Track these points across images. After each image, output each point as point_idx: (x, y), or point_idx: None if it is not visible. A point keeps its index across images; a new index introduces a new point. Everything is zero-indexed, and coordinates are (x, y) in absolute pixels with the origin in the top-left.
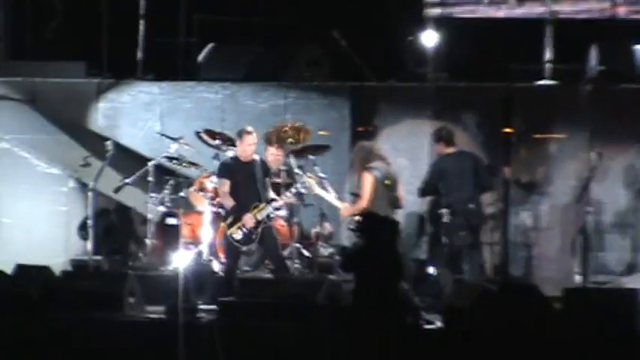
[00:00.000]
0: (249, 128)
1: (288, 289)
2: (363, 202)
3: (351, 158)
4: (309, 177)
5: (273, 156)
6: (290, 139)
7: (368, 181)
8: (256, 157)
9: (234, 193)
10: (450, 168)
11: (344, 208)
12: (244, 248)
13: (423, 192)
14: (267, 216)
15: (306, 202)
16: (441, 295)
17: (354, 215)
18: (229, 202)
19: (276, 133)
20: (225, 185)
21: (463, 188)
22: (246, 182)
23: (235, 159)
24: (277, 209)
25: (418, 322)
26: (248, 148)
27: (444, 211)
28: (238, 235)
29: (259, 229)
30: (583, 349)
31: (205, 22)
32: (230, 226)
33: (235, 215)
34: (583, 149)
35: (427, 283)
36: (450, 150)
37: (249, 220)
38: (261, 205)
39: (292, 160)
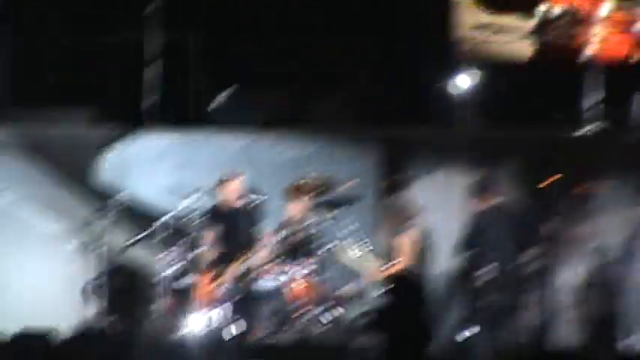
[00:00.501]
0: (235, 172)
1: (312, 355)
2: (399, 265)
3: (382, 215)
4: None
5: (296, 210)
6: (314, 192)
7: (406, 243)
8: (242, 204)
9: (220, 241)
10: (489, 224)
11: (375, 269)
12: (225, 304)
13: (459, 250)
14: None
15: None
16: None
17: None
18: (211, 253)
19: (297, 187)
20: (210, 235)
21: (503, 246)
22: (232, 230)
23: (221, 205)
24: (300, 268)
25: None
26: (231, 195)
27: (482, 270)
28: (221, 287)
29: (240, 285)
30: None
31: (218, 65)
32: (215, 278)
33: (217, 269)
34: (631, 201)
35: (460, 348)
36: (489, 204)
37: (233, 270)
38: (248, 255)
39: (316, 216)
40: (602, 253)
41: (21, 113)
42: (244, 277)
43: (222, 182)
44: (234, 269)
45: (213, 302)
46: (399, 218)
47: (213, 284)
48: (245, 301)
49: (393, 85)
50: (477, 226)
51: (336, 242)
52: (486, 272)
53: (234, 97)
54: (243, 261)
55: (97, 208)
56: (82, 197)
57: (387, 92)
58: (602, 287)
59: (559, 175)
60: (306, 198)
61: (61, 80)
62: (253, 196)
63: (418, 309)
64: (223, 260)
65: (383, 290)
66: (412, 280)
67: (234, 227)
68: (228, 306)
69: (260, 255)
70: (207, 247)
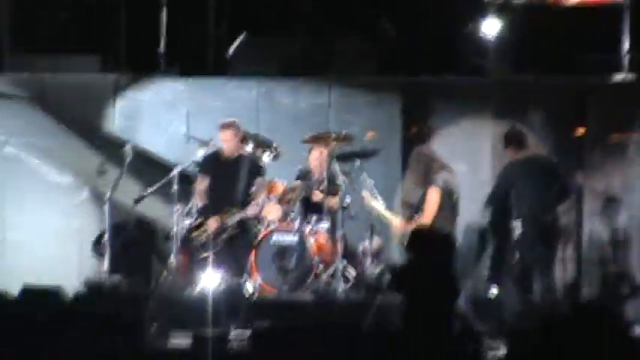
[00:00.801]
0: (228, 121)
1: (331, 312)
2: (427, 218)
3: (408, 166)
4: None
5: (316, 161)
6: (334, 141)
7: (435, 196)
8: (246, 153)
9: (211, 192)
10: (522, 175)
11: (399, 223)
12: (203, 255)
13: (490, 201)
14: (243, 223)
15: (352, 213)
16: (505, 319)
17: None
18: (200, 202)
19: (316, 136)
20: (202, 183)
21: (537, 198)
22: (225, 182)
23: (217, 154)
24: (318, 222)
25: (479, 349)
26: (225, 145)
27: (515, 223)
28: (201, 239)
29: (224, 236)
30: None
31: (238, 9)
32: (196, 228)
33: (204, 217)
34: None
35: (489, 305)
36: (522, 155)
37: (212, 223)
38: (234, 209)
39: (336, 166)
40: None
41: (27, 60)
42: (228, 230)
43: (219, 129)
44: (217, 220)
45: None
46: (424, 170)
47: (196, 234)
48: (263, 254)
49: (416, 31)
50: (507, 178)
51: (358, 195)
52: (517, 226)
53: (252, 44)
54: (232, 214)
55: (108, 158)
56: (93, 147)
57: (410, 38)
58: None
59: (592, 124)
60: (325, 148)
61: (70, 25)
62: (249, 148)
63: (445, 264)
64: (212, 210)
65: (408, 245)
66: (439, 234)
67: (225, 178)
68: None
69: (268, 208)
70: (198, 194)
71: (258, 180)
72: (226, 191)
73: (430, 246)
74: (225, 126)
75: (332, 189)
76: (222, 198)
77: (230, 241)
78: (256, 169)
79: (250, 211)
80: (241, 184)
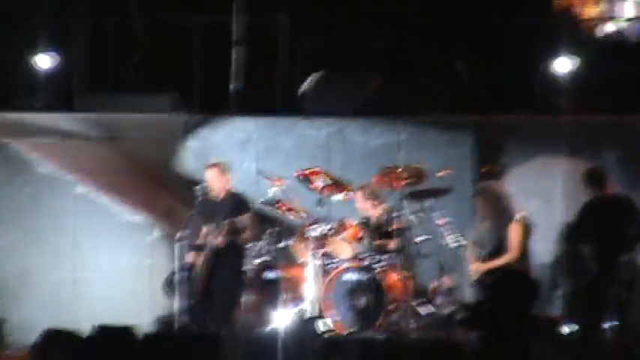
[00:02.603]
0: (213, 161)
1: (403, 351)
2: (513, 255)
3: (477, 203)
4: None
5: (360, 204)
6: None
7: (518, 233)
8: (233, 190)
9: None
10: (602, 214)
11: (481, 264)
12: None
13: (566, 239)
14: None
15: (423, 252)
16: (579, 357)
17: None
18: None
19: (387, 173)
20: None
21: (616, 237)
22: (212, 220)
23: (205, 196)
24: (389, 260)
25: None
26: (211, 184)
27: (591, 262)
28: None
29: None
30: None
31: (309, 49)
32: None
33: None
34: None
35: (561, 344)
36: (601, 193)
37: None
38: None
39: (407, 205)
40: None
41: (99, 99)
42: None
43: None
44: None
45: (302, 296)
46: (497, 208)
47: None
48: (334, 292)
49: (489, 70)
50: (587, 217)
51: (430, 233)
52: (595, 264)
53: (323, 83)
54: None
55: (179, 197)
56: (164, 186)
57: (483, 77)
58: None
59: None
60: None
61: (143, 65)
62: (235, 189)
63: (524, 303)
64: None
65: (485, 283)
66: (518, 272)
67: (213, 216)
68: (317, 301)
69: (340, 247)
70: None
71: (244, 217)
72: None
73: (516, 285)
74: (210, 166)
75: (404, 228)
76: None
77: (209, 279)
78: (242, 206)
79: (211, 240)
80: (224, 222)
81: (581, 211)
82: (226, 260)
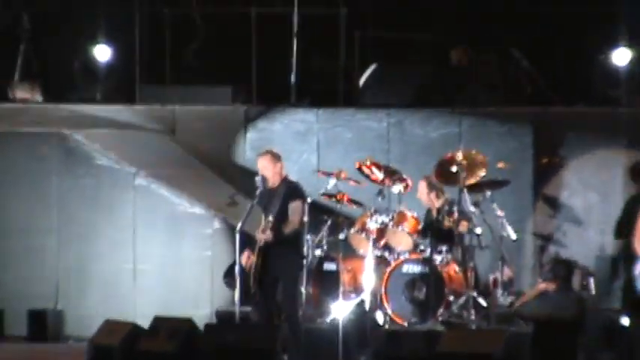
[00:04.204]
0: (265, 149)
1: (463, 342)
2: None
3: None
4: None
5: (422, 195)
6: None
7: None
8: (289, 180)
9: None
10: None
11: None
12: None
13: (619, 232)
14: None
15: (483, 244)
16: (635, 350)
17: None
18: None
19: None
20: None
21: None
22: (268, 212)
23: (259, 183)
24: (449, 252)
25: None
26: (263, 172)
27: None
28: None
29: (252, 271)
30: None
31: (368, 40)
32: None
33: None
34: None
35: (619, 336)
36: None
37: (244, 258)
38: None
39: (466, 196)
40: None
41: (159, 91)
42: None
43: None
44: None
45: (361, 287)
46: (556, 199)
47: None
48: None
49: (548, 61)
50: (630, 211)
51: (490, 225)
52: None
53: (382, 75)
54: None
55: (238, 189)
56: (224, 178)
57: (542, 68)
58: None
59: None
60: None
61: (203, 56)
62: (291, 178)
63: (578, 294)
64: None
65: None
66: (573, 263)
67: (270, 206)
68: (376, 292)
69: (399, 238)
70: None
71: (294, 203)
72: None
73: (566, 275)
74: (260, 155)
75: (463, 220)
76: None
77: (260, 275)
78: (295, 194)
79: (259, 237)
80: (281, 210)
81: (625, 204)
82: (281, 250)
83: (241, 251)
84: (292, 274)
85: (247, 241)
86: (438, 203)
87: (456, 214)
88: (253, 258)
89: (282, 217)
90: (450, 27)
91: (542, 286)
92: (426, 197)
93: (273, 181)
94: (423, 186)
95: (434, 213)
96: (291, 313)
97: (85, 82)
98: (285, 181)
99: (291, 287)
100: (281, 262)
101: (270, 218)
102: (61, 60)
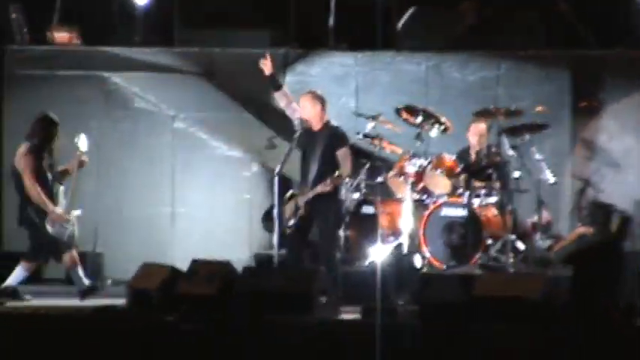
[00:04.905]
0: (308, 90)
1: (501, 286)
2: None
3: (575, 141)
4: None
5: (475, 136)
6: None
7: None
8: (332, 124)
9: (301, 166)
10: None
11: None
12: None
13: None
14: (312, 200)
15: (522, 188)
16: None
17: None
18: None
19: (484, 110)
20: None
21: None
22: (308, 155)
23: (304, 128)
24: (487, 196)
25: None
26: (304, 114)
27: None
28: (285, 215)
29: (297, 217)
30: None
31: None
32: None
33: (290, 195)
34: None
35: None
36: None
37: (287, 205)
38: (306, 189)
39: (505, 140)
40: None
41: (197, 34)
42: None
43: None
44: (289, 200)
45: (399, 231)
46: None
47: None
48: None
49: (586, 3)
50: None
51: (528, 169)
52: None
53: (420, 17)
54: (302, 194)
55: (277, 132)
56: (262, 121)
57: (580, 10)
58: None
59: None
60: (484, 123)
61: (241, 0)
62: (333, 123)
63: (616, 242)
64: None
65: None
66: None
67: (312, 150)
68: (414, 235)
69: (436, 181)
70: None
71: (342, 150)
72: (312, 164)
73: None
74: (303, 95)
75: (500, 163)
76: (307, 172)
77: (303, 221)
78: (339, 139)
79: (320, 188)
80: (320, 158)
81: None
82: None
83: (280, 194)
84: (330, 216)
85: (285, 185)
86: (480, 146)
87: (497, 157)
88: (295, 204)
89: (330, 164)
90: None
91: (581, 229)
92: (476, 140)
93: (314, 123)
94: (483, 128)
95: (473, 156)
96: (328, 256)
97: (124, 25)
98: (327, 125)
99: (329, 230)
100: (319, 205)
101: (316, 167)
102: (100, 3)
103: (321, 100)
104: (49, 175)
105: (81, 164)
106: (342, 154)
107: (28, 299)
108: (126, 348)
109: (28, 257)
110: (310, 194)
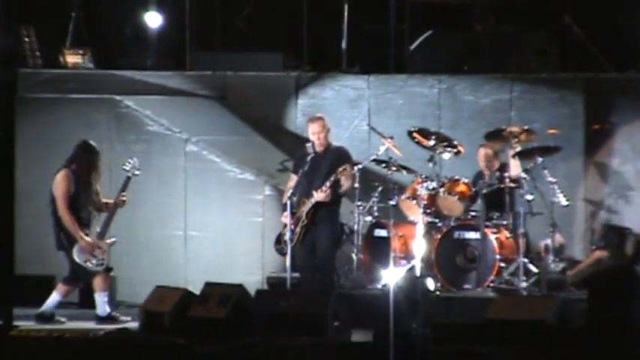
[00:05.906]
0: (317, 115)
1: (514, 308)
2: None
3: (588, 164)
4: None
5: (483, 160)
6: (515, 139)
7: None
8: (334, 145)
9: (300, 186)
10: None
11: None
12: (284, 251)
13: None
14: (310, 214)
15: (534, 210)
16: None
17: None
18: (284, 199)
19: (497, 133)
20: (292, 180)
21: None
22: (309, 174)
23: (310, 149)
24: (500, 218)
25: None
26: (312, 137)
27: None
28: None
29: (298, 229)
30: None
31: (418, 6)
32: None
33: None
34: None
35: None
36: None
37: (283, 218)
38: (307, 201)
39: (517, 162)
40: None
41: (210, 58)
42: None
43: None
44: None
45: (412, 253)
46: (607, 166)
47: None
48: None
49: (599, 27)
50: None
51: (541, 191)
52: None
53: (433, 41)
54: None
55: (289, 155)
56: (275, 144)
57: (592, 35)
58: None
59: None
60: (502, 145)
61: (254, 22)
62: (335, 144)
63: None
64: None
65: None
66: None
67: (313, 170)
68: (427, 258)
69: (449, 204)
70: (285, 191)
71: (344, 166)
72: (307, 184)
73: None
74: (314, 119)
75: (513, 186)
76: (310, 190)
77: (306, 232)
78: (342, 157)
79: (319, 196)
80: (326, 173)
81: None
82: (321, 214)
83: (292, 217)
84: (329, 227)
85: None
86: (493, 169)
87: (506, 181)
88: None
89: (332, 181)
90: None
91: (597, 254)
92: (486, 164)
93: (320, 145)
94: (489, 153)
95: (487, 179)
96: (325, 275)
97: (136, 49)
98: (330, 146)
99: (328, 251)
100: (319, 215)
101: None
102: (112, 26)
103: (327, 125)
104: (88, 203)
105: (122, 203)
106: (344, 170)
107: (62, 321)
108: None
109: (66, 281)
110: (310, 202)
